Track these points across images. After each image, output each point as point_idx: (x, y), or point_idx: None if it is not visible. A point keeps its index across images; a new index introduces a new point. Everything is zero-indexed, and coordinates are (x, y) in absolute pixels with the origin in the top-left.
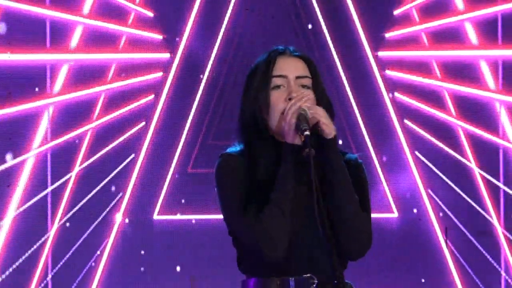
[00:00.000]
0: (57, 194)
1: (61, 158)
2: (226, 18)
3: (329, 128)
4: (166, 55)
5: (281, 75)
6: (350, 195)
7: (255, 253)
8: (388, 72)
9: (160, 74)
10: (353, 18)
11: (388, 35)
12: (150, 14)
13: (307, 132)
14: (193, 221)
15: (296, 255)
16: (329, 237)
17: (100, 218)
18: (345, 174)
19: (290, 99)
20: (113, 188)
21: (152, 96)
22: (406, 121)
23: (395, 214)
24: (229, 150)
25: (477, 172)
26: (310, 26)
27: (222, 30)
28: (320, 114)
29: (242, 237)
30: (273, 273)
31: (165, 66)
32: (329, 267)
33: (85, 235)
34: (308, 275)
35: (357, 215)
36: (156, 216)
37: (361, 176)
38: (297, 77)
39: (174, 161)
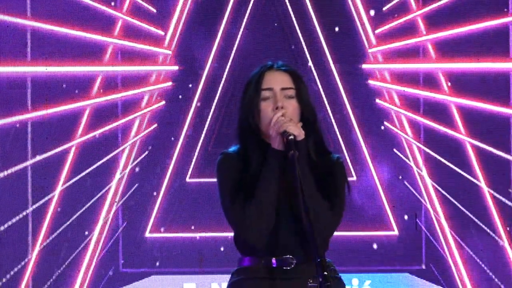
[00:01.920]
0: (38, 214)
1: (43, 176)
2: (221, 31)
3: (298, 132)
4: (174, 68)
5: (268, 88)
6: (311, 191)
7: (240, 237)
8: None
9: (169, 83)
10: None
11: (386, 46)
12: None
13: (291, 137)
14: (197, 237)
15: (279, 240)
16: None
17: (87, 239)
18: (308, 177)
19: (276, 108)
20: (100, 205)
21: (160, 104)
22: (407, 136)
23: (395, 232)
24: (229, 149)
25: (486, 190)
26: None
27: (218, 39)
28: (290, 119)
29: (230, 224)
30: (259, 253)
31: (164, 76)
32: (305, 251)
33: (72, 257)
34: (289, 256)
35: (315, 210)
36: (148, 234)
37: (338, 175)
38: (282, 89)
39: (170, 170)
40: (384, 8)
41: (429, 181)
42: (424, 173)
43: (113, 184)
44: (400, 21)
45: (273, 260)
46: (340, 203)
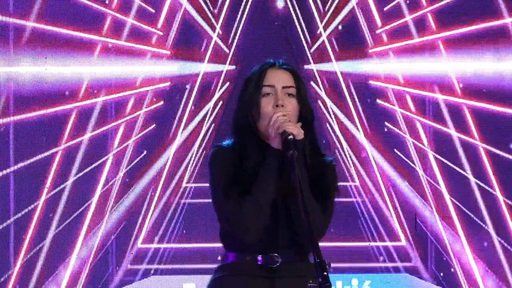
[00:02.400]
0: (21, 224)
1: (26, 183)
2: (218, 28)
3: (297, 131)
4: (173, 68)
5: (269, 85)
6: (307, 192)
7: (231, 232)
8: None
9: (168, 83)
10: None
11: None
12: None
13: (290, 137)
14: (194, 247)
15: (267, 238)
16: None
17: (77, 248)
18: (305, 177)
19: (277, 106)
20: (90, 212)
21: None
22: (412, 139)
23: (403, 242)
24: (223, 143)
25: (501, 199)
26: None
27: (215, 38)
28: (290, 120)
29: (221, 217)
30: (246, 250)
31: (163, 77)
32: (292, 250)
33: (60, 267)
34: (275, 254)
35: (311, 210)
36: (140, 244)
37: (330, 177)
38: (283, 87)
39: (164, 174)
40: (388, 6)
41: (444, 189)
42: (438, 177)
43: (105, 190)
44: (406, 19)
45: (259, 258)
46: (330, 206)
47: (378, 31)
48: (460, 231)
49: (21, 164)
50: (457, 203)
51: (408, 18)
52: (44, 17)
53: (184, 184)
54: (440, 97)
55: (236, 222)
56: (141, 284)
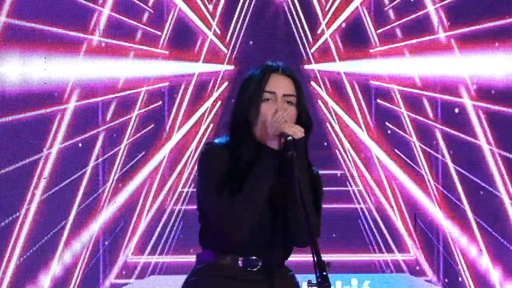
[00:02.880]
0: (4, 232)
1: (10, 188)
2: (214, 25)
3: (293, 130)
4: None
5: (271, 91)
6: (307, 193)
7: (218, 230)
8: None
9: (166, 83)
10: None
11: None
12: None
13: (289, 138)
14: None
15: (251, 240)
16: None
17: (65, 260)
18: (305, 180)
19: (275, 113)
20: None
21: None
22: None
23: (411, 254)
24: (216, 140)
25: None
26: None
27: (211, 36)
28: (287, 120)
29: (212, 215)
30: (227, 251)
31: (161, 77)
32: (276, 255)
33: (41, 277)
34: (254, 257)
35: (310, 210)
36: (131, 257)
37: (319, 185)
38: (284, 95)
39: (158, 178)
40: (392, 4)
41: (460, 192)
42: (445, 179)
43: (98, 193)
44: (410, 18)
45: (240, 260)
46: (320, 211)
47: (379, 31)
48: (477, 237)
49: (3, 171)
50: (461, 205)
51: (414, 16)
52: (41, 17)
53: (179, 189)
54: (447, 98)
55: (229, 220)
56: (141, 284)
